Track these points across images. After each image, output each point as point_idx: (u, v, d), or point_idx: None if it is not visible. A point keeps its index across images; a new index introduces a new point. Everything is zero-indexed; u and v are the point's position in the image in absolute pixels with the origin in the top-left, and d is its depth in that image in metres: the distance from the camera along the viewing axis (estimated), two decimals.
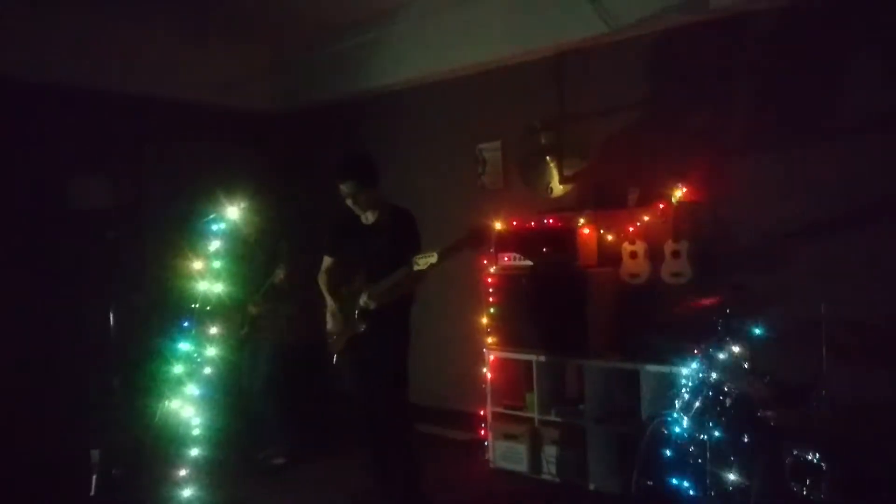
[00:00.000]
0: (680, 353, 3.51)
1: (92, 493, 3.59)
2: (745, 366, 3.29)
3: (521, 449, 4.51)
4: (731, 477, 3.04)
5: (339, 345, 3.73)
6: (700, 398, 3.23)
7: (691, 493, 3.17)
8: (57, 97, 5.05)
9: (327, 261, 3.90)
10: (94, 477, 3.62)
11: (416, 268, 3.38)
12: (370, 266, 3.62)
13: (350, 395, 3.78)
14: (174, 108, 5.66)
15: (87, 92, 5.17)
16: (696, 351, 3.36)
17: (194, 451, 2.97)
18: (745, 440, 3.06)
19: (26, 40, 4.94)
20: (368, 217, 3.76)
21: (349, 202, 3.68)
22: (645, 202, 4.35)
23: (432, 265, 3.35)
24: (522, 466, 4.50)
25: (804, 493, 2.80)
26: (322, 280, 3.88)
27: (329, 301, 3.81)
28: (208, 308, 2.93)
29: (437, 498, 4.03)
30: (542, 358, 4.45)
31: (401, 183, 5.69)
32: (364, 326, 3.62)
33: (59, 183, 5.09)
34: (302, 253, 4.53)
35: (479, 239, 3.77)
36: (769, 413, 3.03)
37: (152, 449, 4.12)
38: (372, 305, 3.55)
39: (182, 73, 5.74)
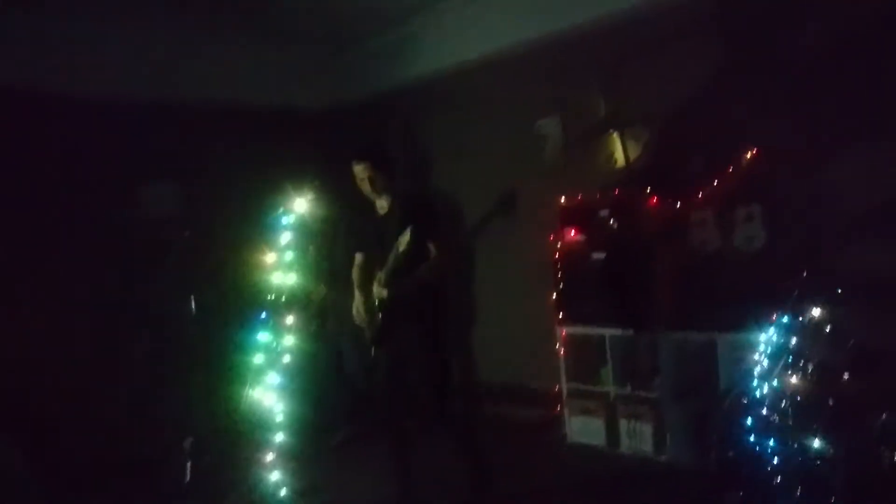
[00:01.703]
0: (757, 321, 3.42)
1: (187, 479, 3.77)
2: (827, 330, 3.18)
3: (598, 424, 4.50)
4: (816, 444, 2.96)
5: (370, 336, 3.70)
6: (780, 365, 3.15)
7: (775, 462, 3.10)
8: (122, 110, 5.23)
9: (359, 258, 3.82)
10: (188, 465, 3.80)
11: (400, 248, 3.34)
12: (386, 258, 3.52)
13: (383, 387, 3.74)
14: (235, 111, 5.81)
15: (150, 103, 5.35)
16: (773, 317, 3.27)
17: (279, 437, 3.09)
18: (830, 406, 2.97)
19: (93, 57, 5.17)
20: (383, 205, 3.67)
21: (364, 186, 3.59)
22: (714, 167, 4.23)
23: (409, 243, 3.30)
24: (599, 441, 4.48)
25: (894, 458, 2.70)
26: (354, 276, 3.81)
27: (356, 296, 3.75)
28: (283, 299, 3.03)
29: (516, 475, 4.08)
30: (615, 332, 4.41)
31: (460, 168, 5.72)
32: (378, 321, 3.58)
33: (133, 191, 5.33)
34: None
35: (502, 204, 3.68)
36: (853, 378, 2.94)
37: (240, 436, 4.32)
38: (384, 294, 3.49)
39: (239, 77, 5.91)
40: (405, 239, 3.32)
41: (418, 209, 3.57)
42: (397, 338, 3.60)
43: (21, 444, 3.43)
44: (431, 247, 3.53)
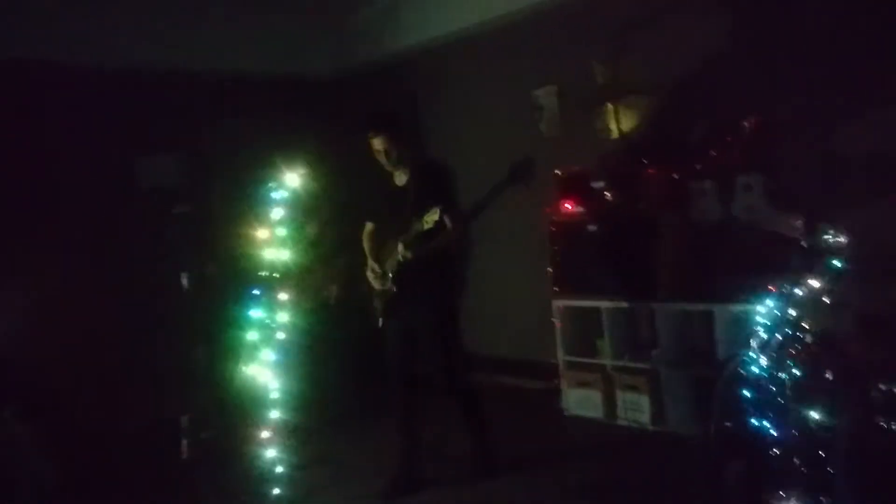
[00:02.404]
0: (755, 291, 3.39)
1: (184, 456, 3.77)
2: (826, 300, 3.16)
3: (595, 396, 4.50)
4: (815, 416, 2.95)
5: (380, 306, 3.71)
6: (779, 336, 3.13)
7: (773, 433, 3.10)
8: (119, 79, 5.19)
9: (369, 226, 3.84)
10: (185, 441, 3.79)
11: (425, 227, 3.37)
12: (407, 227, 3.53)
13: (390, 358, 3.73)
14: (230, 80, 5.74)
15: (147, 72, 5.29)
16: (772, 288, 3.24)
17: (276, 413, 3.07)
18: (829, 377, 2.96)
19: (87, 25, 5.06)
20: (401, 177, 3.67)
21: (381, 158, 3.60)
22: (713, 136, 4.17)
23: (435, 221, 3.35)
24: (597, 413, 4.49)
25: (894, 428, 2.70)
26: (365, 243, 3.82)
27: (370, 262, 3.75)
28: (277, 275, 2.99)
29: (514, 446, 4.09)
30: (612, 304, 4.39)
31: (457, 136, 5.66)
32: (395, 287, 3.58)
33: (128, 163, 5.25)
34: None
35: (522, 173, 3.68)
36: (853, 348, 2.92)
37: (236, 412, 4.31)
38: (409, 255, 3.48)
39: (235, 46, 5.79)
40: (432, 217, 3.35)
41: (438, 181, 3.59)
42: (410, 307, 3.60)
43: (22, 418, 3.42)
44: (447, 219, 3.51)
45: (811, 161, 3.89)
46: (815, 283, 3.17)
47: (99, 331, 4.98)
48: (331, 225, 4.70)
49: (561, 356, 4.69)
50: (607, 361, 4.48)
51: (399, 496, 3.62)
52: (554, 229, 4.63)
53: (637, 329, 4.61)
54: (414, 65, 5.96)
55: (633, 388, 4.31)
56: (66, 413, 4.52)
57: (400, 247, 3.50)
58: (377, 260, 3.70)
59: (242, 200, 4.55)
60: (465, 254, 5.27)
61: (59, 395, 4.58)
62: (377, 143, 3.57)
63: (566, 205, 4.58)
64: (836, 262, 3.20)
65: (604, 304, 4.42)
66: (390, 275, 3.62)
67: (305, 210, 4.29)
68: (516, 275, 5.35)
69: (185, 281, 4.18)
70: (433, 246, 3.52)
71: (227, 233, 4.50)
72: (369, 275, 3.73)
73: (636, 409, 4.30)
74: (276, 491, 3.14)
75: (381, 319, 3.71)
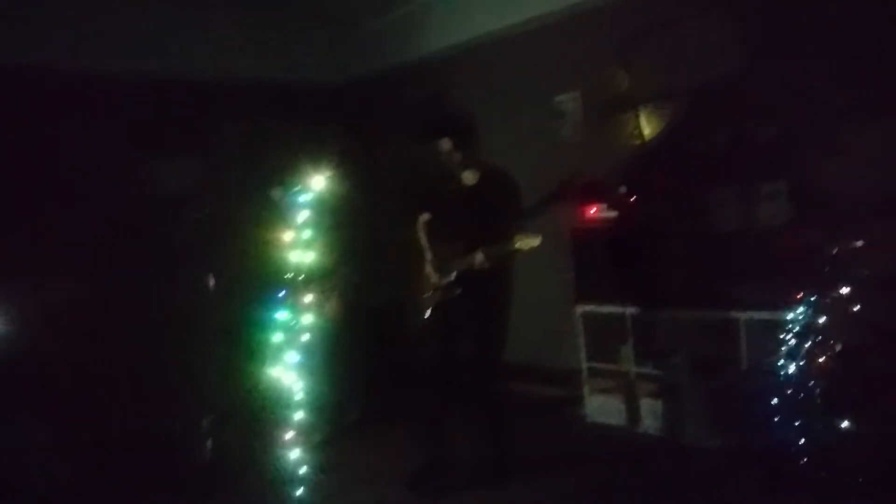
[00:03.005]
0: (781, 300, 3.36)
1: (206, 457, 3.79)
2: (854, 310, 3.11)
3: (617, 403, 4.47)
4: (841, 425, 2.92)
5: (430, 303, 3.70)
6: (805, 346, 3.09)
7: (798, 443, 3.06)
8: (132, 86, 5.23)
9: (424, 216, 3.81)
10: (208, 442, 3.82)
11: (516, 246, 3.37)
12: (473, 229, 3.53)
13: (433, 355, 3.75)
14: (247, 88, 5.77)
15: (160, 79, 5.34)
16: (799, 296, 3.21)
17: (299, 415, 3.08)
18: (855, 387, 2.92)
19: (98, 33, 5.12)
20: (469, 178, 3.66)
21: (447, 161, 3.59)
22: (737, 143, 4.14)
23: (511, 249, 3.38)
24: (619, 420, 4.46)
25: None
26: (421, 234, 3.81)
27: (429, 254, 3.74)
28: (301, 278, 3.00)
29: (534, 453, 4.08)
30: (634, 310, 4.36)
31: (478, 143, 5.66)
32: (459, 290, 3.59)
33: (141, 169, 5.31)
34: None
35: (567, 191, 3.68)
36: (880, 359, 2.88)
37: (259, 414, 4.33)
38: (487, 265, 3.47)
39: (251, 53, 5.84)
40: (528, 243, 3.36)
41: (513, 191, 3.62)
42: (468, 309, 3.59)
43: (43, 420, 3.47)
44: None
45: (836, 168, 3.84)
46: (839, 293, 3.14)
47: (120, 333, 5.05)
48: (334, 232, 4.70)
49: (584, 363, 4.66)
50: (630, 368, 4.44)
51: (424, 484, 3.64)
52: (576, 235, 4.61)
53: (660, 336, 4.57)
54: (436, 71, 5.97)
55: (656, 395, 4.28)
56: (88, 414, 4.58)
57: (480, 256, 3.49)
58: (436, 255, 3.69)
59: (260, 204, 4.60)
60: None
61: (81, 396, 4.65)
62: (441, 147, 3.56)
63: (588, 211, 4.56)
64: (862, 272, 3.17)
65: (628, 310, 4.39)
66: (453, 275, 3.60)
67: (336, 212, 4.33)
68: (538, 281, 5.33)
69: (211, 283, 4.22)
70: (502, 251, 3.50)
71: (247, 236, 4.55)
72: (428, 267, 3.72)
73: (658, 416, 4.27)
74: (298, 493, 3.15)
75: (424, 314, 3.68)
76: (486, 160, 3.72)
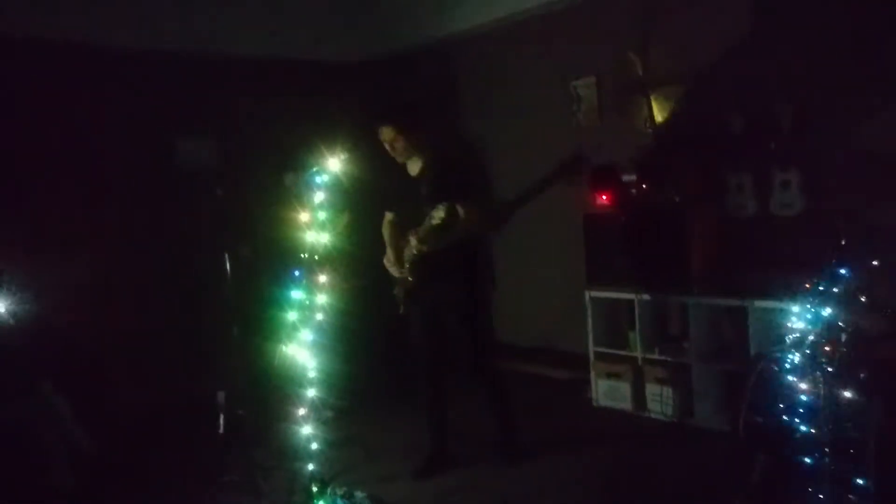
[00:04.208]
0: (790, 287, 3.38)
1: (221, 431, 3.87)
2: (863, 299, 3.13)
3: (625, 387, 4.51)
4: (849, 413, 2.94)
5: (401, 295, 3.74)
6: (813, 333, 3.12)
7: (803, 430, 3.09)
8: (160, 62, 5.30)
9: (388, 215, 3.82)
10: (222, 417, 3.89)
11: (433, 222, 3.38)
12: (422, 218, 3.52)
13: (416, 343, 3.78)
14: (269, 65, 5.80)
15: (186, 55, 5.38)
16: (807, 284, 3.23)
17: (311, 392, 3.14)
18: (862, 377, 2.94)
19: (124, 8, 5.15)
20: (413, 168, 3.66)
21: (388, 149, 3.59)
22: (751, 130, 4.14)
23: (432, 226, 3.37)
24: (626, 404, 4.51)
25: None
26: (384, 232, 3.83)
27: (387, 251, 3.76)
28: (317, 258, 3.05)
29: (542, 435, 4.13)
30: (644, 296, 4.39)
31: (492, 125, 5.68)
32: (412, 277, 3.59)
33: (169, 145, 5.37)
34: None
35: (571, 170, 3.68)
36: (888, 348, 2.90)
37: (272, 390, 4.41)
38: (424, 249, 3.50)
39: (272, 30, 5.85)
40: (439, 214, 3.36)
41: (449, 173, 3.55)
42: (432, 294, 3.63)
43: (66, 392, 3.56)
44: (459, 209, 3.51)
45: (850, 154, 3.84)
46: (849, 281, 3.15)
47: (138, 308, 5.15)
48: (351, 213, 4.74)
49: (591, 347, 4.71)
50: (638, 353, 4.49)
51: (429, 476, 3.69)
52: (588, 220, 4.64)
53: (669, 322, 4.61)
54: (451, 52, 5.96)
55: (663, 381, 4.32)
56: (104, 386, 4.69)
57: (413, 241, 3.53)
58: (395, 249, 3.71)
59: (279, 183, 4.64)
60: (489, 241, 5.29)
61: (97, 369, 4.76)
62: (384, 134, 3.56)
63: (601, 196, 4.58)
64: (874, 261, 3.18)
65: (637, 296, 4.43)
66: (407, 265, 3.65)
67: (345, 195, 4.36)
68: (549, 265, 5.37)
69: (228, 261, 4.29)
70: (448, 237, 3.48)
71: (265, 214, 4.59)
72: (385, 263, 3.76)
73: (665, 401, 4.31)
74: (309, 467, 3.22)
75: (402, 307, 3.74)
76: (433, 146, 3.66)
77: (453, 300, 3.63)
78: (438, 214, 3.37)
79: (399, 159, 3.65)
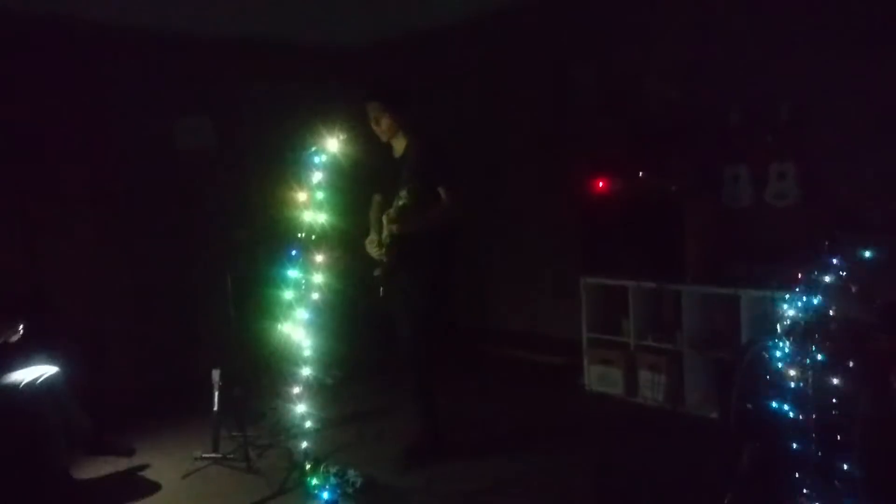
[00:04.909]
0: (782, 278, 3.41)
1: (215, 408, 3.90)
2: (853, 290, 3.17)
3: (617, 373, 4.56)
4: (838, 402, 2.98)
5: (381, 276, 3.69)
6: (803, 323, 3.15)
7: (792, 418, 3.13)
8: (158, 43, 5.29)
9: (376, 197, 3.79)
10: (216, 394, 3.92)
11: (400, 202, 3.36)
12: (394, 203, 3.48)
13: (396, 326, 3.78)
14: (269, 47, 5.79)
15: (185, 36, 5.37)
16: (799, 275, 3.26)
17: (306, 371, 3.17)
18: (851, 366, 2.98)
19: None
20: (397, 149, 3.66)
21: (373, 125, 3.58)
22: (748, 122, 4.16)
23: (398, 207, 3.36)
24: (618, 390, 4.55)
25: None
26: (371, 215, 3.79)
27: (371, 233, 3.74)
28: (314, 237, 3.07)
29: (535, 419, 4.17)
30: (638, 284, 4.42)
31: (490, 112, 5.68)
32: (385, 258, 3.56)
33: (166, 125, 5.36)
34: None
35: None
36: (877, 338, 2.94)
37: (267, 369, 4.45)
38: (394, 229, 3.46)
39: (273, 13, 5.80)
40: (403, 193, 3.35)
41: (429, 155, 3.54)
42: (401, 277, 3.59)
43: (67, 369, 3.59)
44: (441, 192, 3.52)
45: (845, 148, 3.87)
46: (841, 272, 3.18)
47: (133, 286, 5.18)
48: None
49: (585, 333, 4.74)
50: (631, 340, 4.52)
51: (421, 459, 3.69)
52: (584, 207, 4.66)
53: (662, 310, 4.65)
54: (449, 36, 5.94)
55: (656, 368, 4.36)
56: (103, 367, 4.72)
57: (384, 219, 3.50)
58: (378, 231, 3.69)
59: (278, 164, 4.64)
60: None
61: (100, 348, 4.80)
62: (370, 110, 3.55)
63: (598, 184, 4.61)
64: (865, 252, 3.21)
65: (631, 284, 4.46)
66: (383, 248, 3.60)
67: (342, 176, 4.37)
68: (545, 251, 5.40)
69: (222, 242, 4.31)
70: (422, 219, 3.47)
71: (262, 195, 4.60)
72: (367, 245, 3.73)
73: (657, 387, 4.35)
74: (303, 445, 3.26)
75: (381, 288, 3.67)
76: (417, 128, 3.65)
77: (409, 284, 3.59)
78: (404, 194, 3.36)
79: (383, 137, 3.63)
